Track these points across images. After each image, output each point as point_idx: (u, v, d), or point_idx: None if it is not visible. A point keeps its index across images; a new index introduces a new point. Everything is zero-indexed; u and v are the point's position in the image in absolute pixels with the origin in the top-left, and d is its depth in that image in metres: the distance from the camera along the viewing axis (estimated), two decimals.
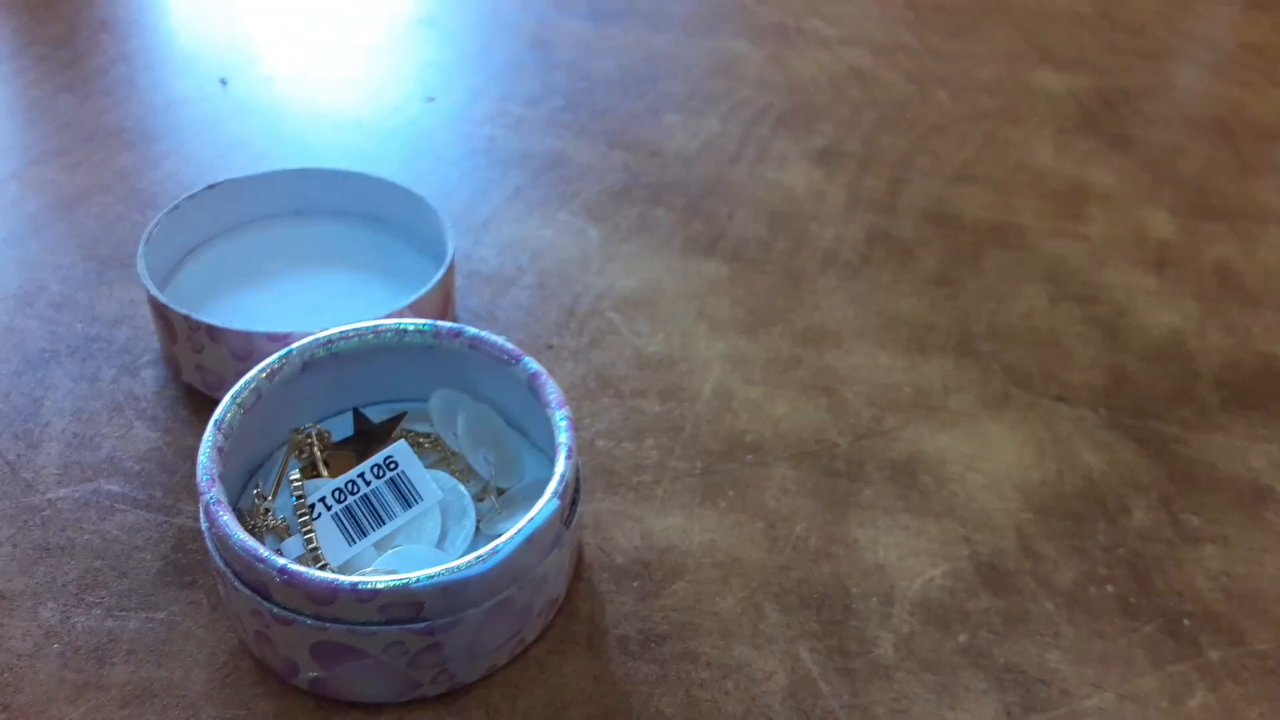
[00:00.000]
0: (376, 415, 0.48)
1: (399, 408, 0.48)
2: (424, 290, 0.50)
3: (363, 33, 0.84)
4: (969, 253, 0.65)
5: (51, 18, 0.82)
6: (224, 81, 0.75)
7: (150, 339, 0.54)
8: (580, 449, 0.51)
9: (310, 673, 0.38)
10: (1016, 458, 0.52)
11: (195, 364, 0.49)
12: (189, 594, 0.43)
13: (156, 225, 0.52)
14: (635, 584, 0.45)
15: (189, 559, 0.44)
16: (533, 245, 0.63)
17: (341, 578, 0.36)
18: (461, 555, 0.41)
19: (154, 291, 0.48)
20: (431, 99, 0.76)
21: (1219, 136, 0.79)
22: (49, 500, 0.46)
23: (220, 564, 0.38)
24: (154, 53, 0.79)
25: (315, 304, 0.54)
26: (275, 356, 0.43)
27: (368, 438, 0.46)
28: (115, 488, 0.47)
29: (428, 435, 0.46)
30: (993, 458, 0.51)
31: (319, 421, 0.47)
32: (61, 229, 0.61)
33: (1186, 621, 0.45)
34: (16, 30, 0.80)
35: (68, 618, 0.42)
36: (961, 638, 0.44)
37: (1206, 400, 0.56)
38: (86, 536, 0.45)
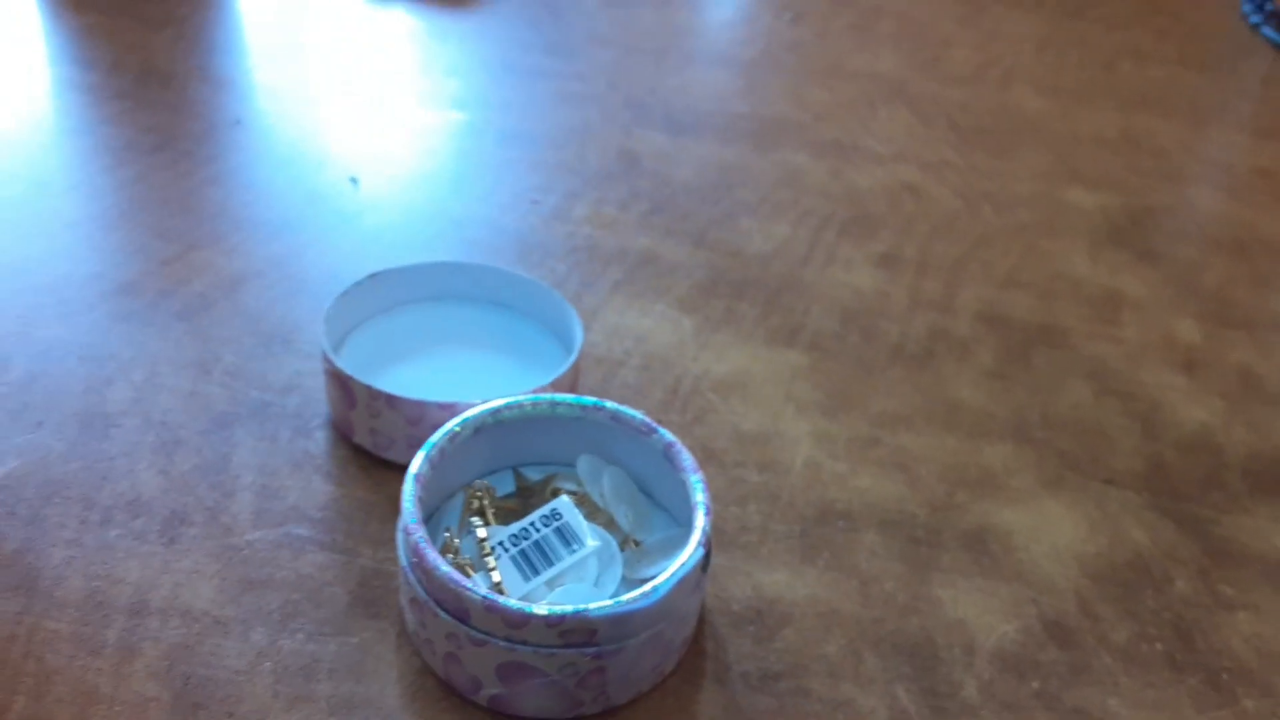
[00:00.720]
0: (531, 475, 0.55)
1: (550, 469, 0.56)
2: (562, 370, 0.58)
3: (470, 142, 0.94)
4: (1019, 350, 0.73)
5: (190, 115, 0.92)
6: (355, 180, 0.85)
7: (319, 405, 0.62)
8: None
9: (491, 690, 0.46)
10: (1073, 532, 0.59)
11: (370, 428, 0.57)
12: (377, 623, 0.50)
13: (332, 306, 0.61)
14: (751, 628, 0.52)
15: (373, 594, 0.52)
16: (635, 332, 0.72)
17: (532, 605, 0.43)
18: (611, 595, 0.49)
19: (339, 366, 0.56)
20: (536, 200, 0.85)
21: (1236, 253, 0.88)
22: (247, 541, 0.54)
23: (421, 594, 0.46)
24: (286, 150, 0.89)
25: (461, 379, 0.62)
26: (456, 422, 0.51)
27: (527, 493, 0.54)
28: (303, 532, 0.55)
29: (574, 493, 0.54)
30: (1052, 531, 0.59)
31: (482, 478, 0.54)
32: (227, 307, 0.70)
33: (1225, 675, 0.52)
34: (159, 125, 0.90)
35: (275, 641, 0.49)
36: (1034, 684, 0.51)
37: (1235, 487, 0.64)
38: (283, 573, 0.52)
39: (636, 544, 0.53)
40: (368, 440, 0.58)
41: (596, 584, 0.50)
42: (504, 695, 0.46)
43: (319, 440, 0.60)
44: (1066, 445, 0.65)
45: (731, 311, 0.75)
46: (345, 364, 0.62)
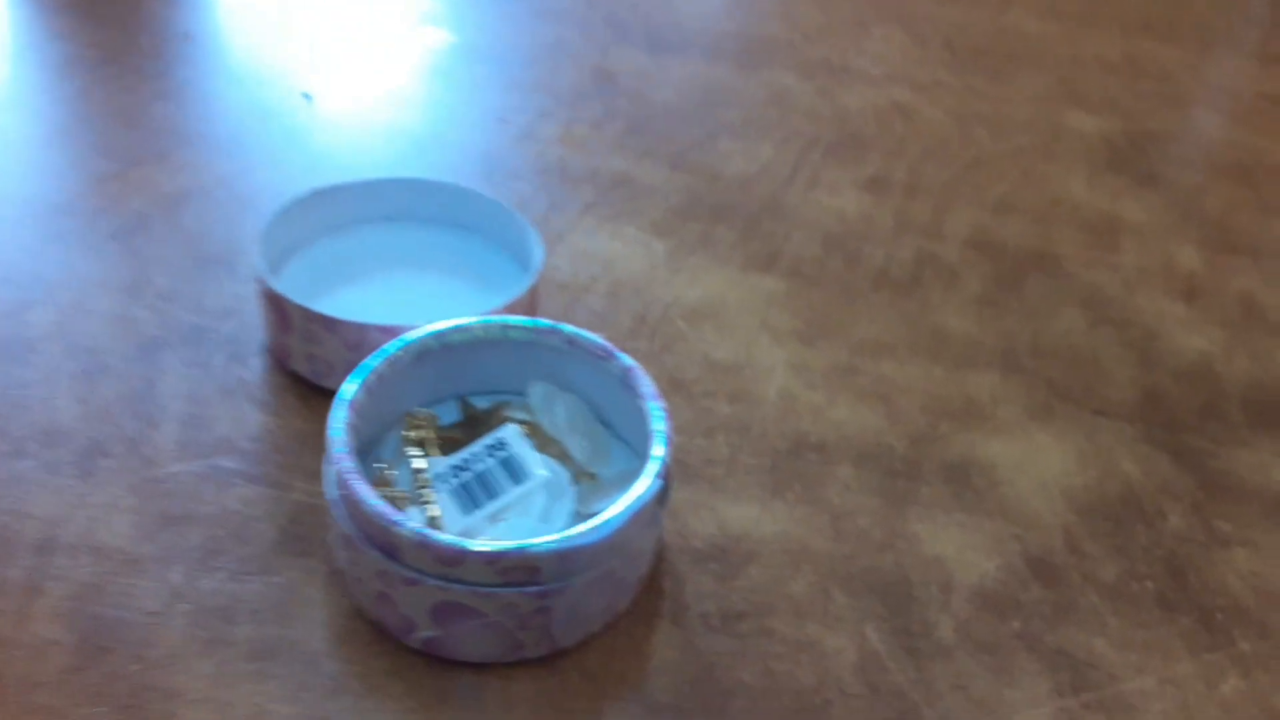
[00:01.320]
0: (480, 404, 0.52)
1: (500, 398, 0.52)
2: (517, 293, 0.54)
3: (441, 60, 0.89)
4: (1011, 277, 0.69)
5: (138, 29, 0.87)
6: (308, 96, 0.80)
7: (256, 330, 0.58)
8: None
9: (425, 632, 0.42)
10: (1061, 465, 0.56)
11: (307, 353, 0.53)
12: (305, 561, 0.47)
13: (269, 225, 0.57)
14: (713, 566, 0.49)
15: (304, 530, 0.48)
16: (603, 256, 0.67)
17: (469, 541, 0.40)
18: (562, 530, 0.45)
19: (271, 285, 0.52)
20: (505, 120, 0.80)
21: (1240, 179, 0.83)
22: (170, 474, 0.50)
23: (349, 528, 0.42)
24: (239, 66, 0.84)
25: (411, 302, 0.58)
26: (395, 344, 0.47)
27: (474, 423, 0.50)
28: (231, 464, 0.51)
29: (525, 422, 0.50)
30: (1039, 464, 0.55)
31: (428, 408, 0.50)
32: (165, 228, 0.65)
33: (1219, 616, 0.49)
34: (107, 40, 0.85)
35: (193, 581, 0.46)
36: (1015, 624, 0.47)
37: (1234, 418, 0.60)
38: (207, 508, 0.49)
39: (592, 477, 0.49)
40: (305, 367, 0.54)
41: (544, 519, 0.46)
42: (439, 638, 0.42)
43: (254, 368, 0.56)
44: (1057, 375, 0.61)
45: (707, 236, 0.71)
46: (286, 286, 0.58)
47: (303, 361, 0.54)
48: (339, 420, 0.44)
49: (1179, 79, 0.98)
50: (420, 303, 0.58)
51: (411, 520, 0.44)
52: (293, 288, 0.58)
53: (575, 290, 0.64)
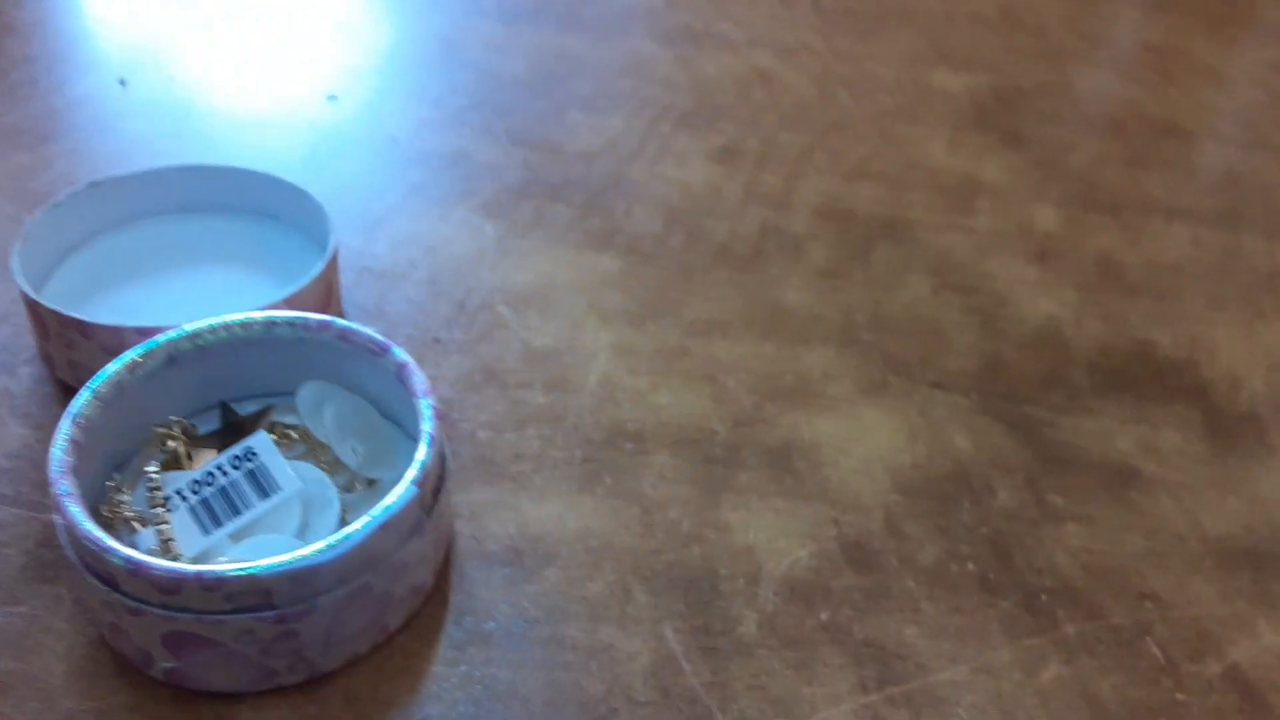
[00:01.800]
0: (247, 410, 0.48)
1: (270, 402, 0.48)
2: (301, 284, 0.50)
3: (268, 34, 0.84)
4: (858, 246, 0.66)
5: None
6: (123, 82, 0.75)
7: (30, 337, 0.54)
8: (461, 440, 0.51)
9: (164, 663, 0.39)
10: (889, 442, 0.53)
11: (68, 360, 0.49)
12: (51, 589, 0.43)
13: (35, 222, 0.52)
14: (506, 571, 0.45)
15: (54, 554, 0.44)
16: (427, 241, 0.64)
17: (187, 567, 0.36)
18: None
19: (24, 288, 0.48)
20: (333, 97, 0.76)
21: (1112, 133, 0.81)
22: None
23: (72, 556, 0.38)
24: (56, 54, 0.79)
25: (197, 300, 0.54)
26: (138, 349, 0.43)
27: (235, 431, 0.46)
28: None
29: (296, 428, 0.46)
30: (866, 442, 0.53)
31: (188, 417, 0.47)
32: None
33: (1044, 597, 0.46)
34: None
35: None
36: (823, 615, 0.45)
37: (1079, 385, 0.57)
38: None
39: (370, 484, 0.45)
40: (69, 375, 0.50)
41: (303, 534, 0.42)
42: (180, 669, 0.39)
43: (22, 378, 0.52)
44: (895, 347, 0.59)
45: (542, 215, 0.67)
46: (60, 287, 0.53)
47: (66, 369, 0.49)
48: (61, 436, 0.40)
49: (1055, 33, 0.96)
50: (209, 300, 0.54)
51: (145, 542, 0.40)
52: (67, 290, 0.54)
53: (392, 278, 0.61)
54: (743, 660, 0.43)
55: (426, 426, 0.42)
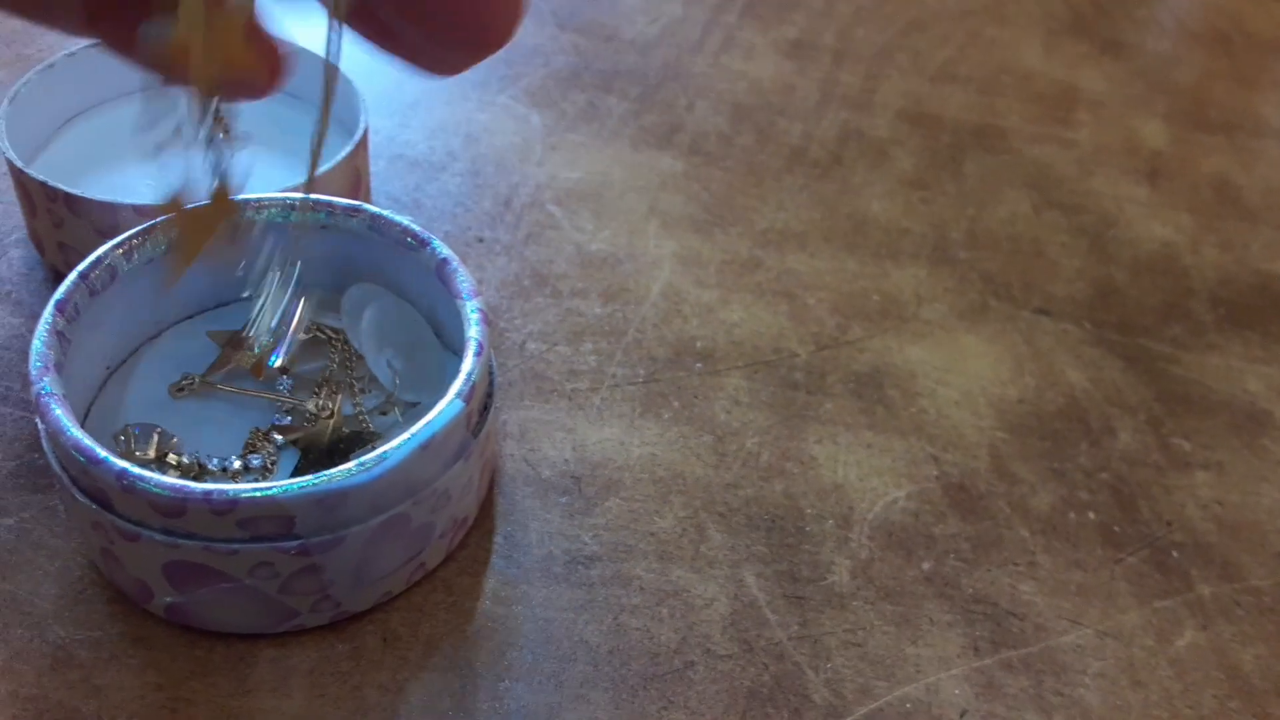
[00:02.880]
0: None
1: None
2: (326, 166, 0.43)
3: None
4: (948, 155, 0.59)
5: None
6: None
7: (20, 216, 0.47)
8: (509, 352, 0.45)
9: (166, 597, 0.33)
10: (993, 373, 0.47)
11: (57, 242, 0.42)
12: (44, 498, 0.37)
13: (25, 84, 0.45)
14: (563, 500, 0.40)
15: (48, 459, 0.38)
16: (467, 129, 0.57)
17: (193, 484, 0.30)
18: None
19: (9, 155, 0.41)
20: None
21: (1216, 47, 0.73)
22: None
23: (56, 467, 0.33)
24: None
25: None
26: (135, 230, 0.37)
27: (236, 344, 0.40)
28: None
29: (338, 331, 0.40)
30: (967, 372, 0.46)
31: (194, 315, 0.40)
32: None
33: (1175, 553, 0.40)
34: None
35: None
36: (926, 565, 0.39)
37: (1201, 318, 0.51)
38: None
39: (410, 407, 0.39)
40: (59, 259, 0.43)
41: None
42: (183, 604, 0.33)
43: (12, 260, 0.46)
44: (995, 267, 0.52)
45: (594, 107, 0.60)
46: (50, 162, 0.47)
47: (55, 252, 0.43)
48: (43, 328, 0.33)
49: None
50: None
51: (143, 453, 0.34)
52: (61, 163, 0.47)
53: (428, 169, 0.54)
54: (835, 613, 0.37)
55: (473, 333, 0.35)
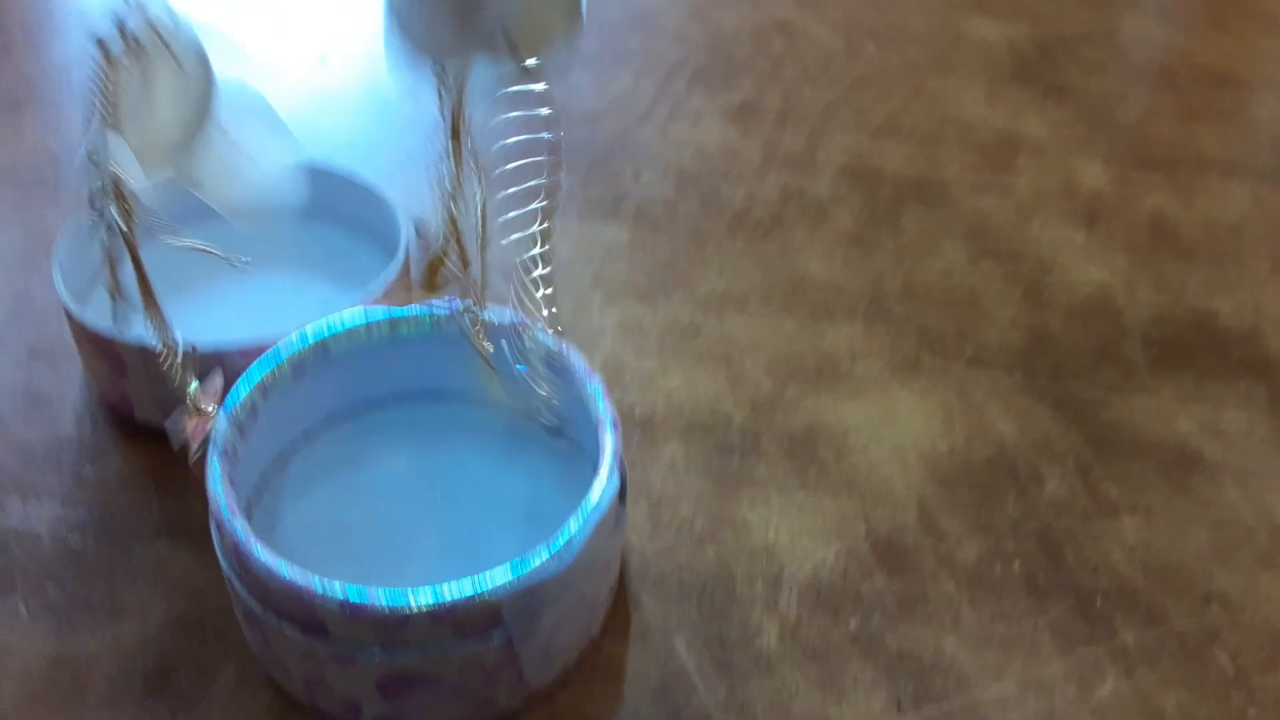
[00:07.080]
0: None
1: None
2: (383, 284, 0.46)
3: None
4: (887, 210, 0.61)
5: None
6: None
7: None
8: None
9: (372, 711, 0.35)
10: (924, 426, 0.48)
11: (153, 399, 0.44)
12: (5, 600, 0.39)
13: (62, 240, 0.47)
14: None
15: (7, 560, 0.40)
16: (421, 209, 0.59)
17: (412, 600, 0.32)
18: None
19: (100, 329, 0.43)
20: (324, 56, 0.71)
21: (1162, 84, 0.75)
22: None
23: (256, 609, 0.34)
24: (34, 17, 0.75)
25: (259, 311, 0.48)
26: (262, 364, 0.39)
27: None
28: None
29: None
30: (898, 427, 0.48)
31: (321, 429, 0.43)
32: None
33: (1100, 600, 0.41)
34: None
35: None
36: (852, 624, 0.40)
37: (1133, 360, 0.52)
38: None
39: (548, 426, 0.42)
40: (154, 414, 0.44)
41: None
42: (391, 714, 0.35)
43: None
44: (930, 320, 0.54)
45: None
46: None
47: (150, 408, 0.44)
48: (216, 476, 0.35)
49: None
50: (272, 309, 0.49)
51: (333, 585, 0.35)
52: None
53: None
54: (763, 677, 0.38)
55: (604, 407, 0.38)
